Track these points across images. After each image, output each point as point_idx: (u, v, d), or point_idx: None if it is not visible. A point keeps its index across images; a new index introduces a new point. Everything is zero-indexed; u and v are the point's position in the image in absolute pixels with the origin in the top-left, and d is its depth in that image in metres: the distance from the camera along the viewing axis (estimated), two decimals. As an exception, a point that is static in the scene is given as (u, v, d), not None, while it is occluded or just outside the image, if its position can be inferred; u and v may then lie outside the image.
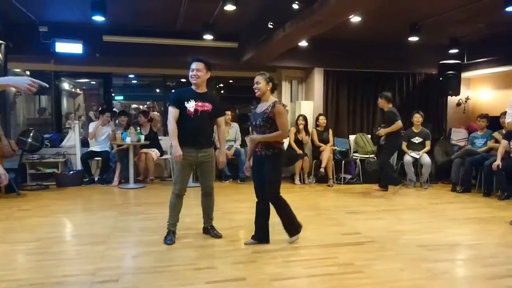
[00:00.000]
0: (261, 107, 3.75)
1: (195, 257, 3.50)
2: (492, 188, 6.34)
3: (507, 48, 6.89)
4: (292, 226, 3.85)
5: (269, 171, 3.67)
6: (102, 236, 4.05)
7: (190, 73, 3.80)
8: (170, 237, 3.89)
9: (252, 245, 3.79)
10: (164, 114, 7.80)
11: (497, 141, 6.44)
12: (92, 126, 7.21)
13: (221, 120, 4.04)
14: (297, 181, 7.31)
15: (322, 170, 6.99)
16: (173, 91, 3.98)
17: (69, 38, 6.80)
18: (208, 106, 3.83)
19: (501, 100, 7.29)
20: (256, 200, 3.87)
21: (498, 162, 5.82)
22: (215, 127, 4.11)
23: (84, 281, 2.98)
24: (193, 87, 3.86)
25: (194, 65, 3.78)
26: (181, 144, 3.73)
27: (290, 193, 6.58)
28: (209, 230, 4.16)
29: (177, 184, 3.90)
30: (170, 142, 3.85)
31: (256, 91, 3.74)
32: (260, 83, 3.72)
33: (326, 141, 7.38)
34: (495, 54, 7.21)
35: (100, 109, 7.86)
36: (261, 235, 3.84)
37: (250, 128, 4.06)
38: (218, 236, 4.09)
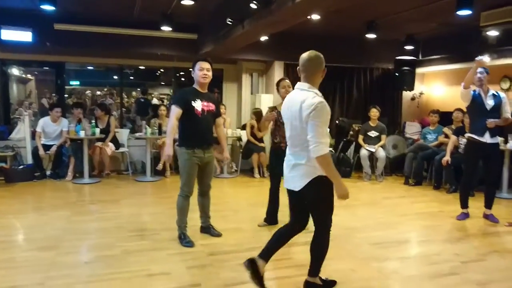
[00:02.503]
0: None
1: (149, 261, 3.45)
2: (441, 181, 6.65)
3: (458, 47, 7.16)
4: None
5: None
6: (53, 240, 3.92)
7: (199, 73, 3.75)
8: (186, 240, 3.85)
9: (208, 247, 3.80)
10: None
11: (447, 136, 6.72)
12: (40, 125, 6.85)
13: (220, 120, 4.14)
14: (256, 174, 7.37)
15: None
16: (180, 90, 3.92)
17: (17, 26, 6.44)
18: (212, 106, 3.88)
19: (452, 96, 7.60)
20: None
21: (447, 157, 6.08)
22: None
23: (32, 292, 2.89)
24: (196, 87, 3.83)
25: (204, 65, 3.77)
26: (191, 145, 3.74)
27: (249, 187, 6.67)
28: (209, 229, 4.14)
29: (185, 186, 3.82)
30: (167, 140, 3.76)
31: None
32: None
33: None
34: (447, 52, 7.49)
35: (49, 103, 7.51)
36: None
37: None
38: (217, 235, 4.10)
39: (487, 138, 4.63)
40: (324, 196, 2.77)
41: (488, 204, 4.88)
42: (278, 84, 4.34)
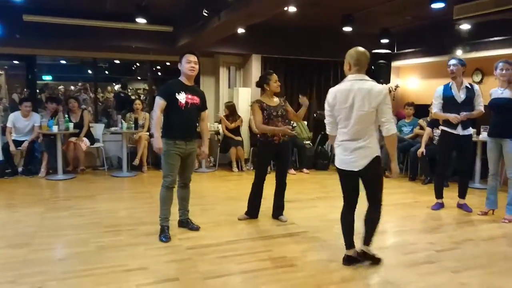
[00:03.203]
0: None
1: (125, 257, 3.38)
2: (417, 173, 6.77)
3: (432, 40, 7.29)
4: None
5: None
6: (25, 237, 3.80)
7: (187, 65, 3.77)
8: (165, 234, 3.78)
9: (187, 241, 3.76)
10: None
11: (422, 128, 6.84)
12: (10, 120, 6.60)
13: (205, 114, 4.11)
14: (234, 168, 7.34)
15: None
16: (166, 82, 3.89)
17: (-18, 17, 6.19)
18: (196, 100, 3.88)
19: (427, 89, 7.74)
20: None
21: (422, 149, 6.19)
22: None
23: (2, 291, 2.79)
24: (182, 79, 3.83)
25: (191, 58, 3.78)
26: (172, 136, 3.74)
27: (227, 181, 6.64)
28: (187, 223, 4.10)
29: (168, 177, 3.80)
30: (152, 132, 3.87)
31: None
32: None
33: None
34: (422, 45, 7.60)
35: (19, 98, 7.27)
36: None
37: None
38: (195, 228, 4.06)
39: (459, 130, 4.73)
40: (380, 173, 3.22)
41: (462, 194, 4.99)
42: (268, 77, 4.31)
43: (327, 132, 3.40)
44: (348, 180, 3.22)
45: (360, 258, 3.26)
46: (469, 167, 5.17)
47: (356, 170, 3.11)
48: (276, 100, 4.37)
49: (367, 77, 3.09)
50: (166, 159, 3.78)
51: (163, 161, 3.83)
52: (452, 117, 4.68)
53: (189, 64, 3.77)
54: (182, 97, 3.75)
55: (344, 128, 3.13)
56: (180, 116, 3.76)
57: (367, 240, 3.26)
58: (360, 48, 3.16)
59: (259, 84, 4.39)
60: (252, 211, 4.47)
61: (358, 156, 3.08)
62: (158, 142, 3.72)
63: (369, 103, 3.00)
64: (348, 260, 3.25)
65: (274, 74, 4.36)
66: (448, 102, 4.76)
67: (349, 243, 3.27)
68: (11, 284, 2.87)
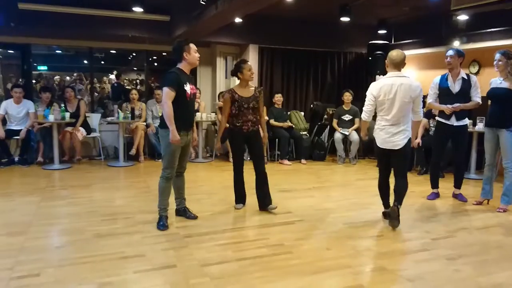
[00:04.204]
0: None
1: (122, 244, 3.39)
2: (412, 163, 6.80)
3: (429, 31, 7.29)
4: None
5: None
6: (22, 225, 3.80)
7: (195, 55, 3.76)
8: (163, 222, 3.78)
9: (184, 229, 3.77)
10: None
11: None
12: (3, 107, 6.58)
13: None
14: (231, 158, 7.32)
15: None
16: (170, 72, 3.69)
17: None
18: (195, 89, 3.90)
19: (424, 80, 7.69)
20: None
21: (418, 140, 6.20)
22: None
23: (0, 277, 2.78)
24: (184, 69, 3.77)
25: (195, 47, 3.78)
26: (177, 127, 3.64)
27: (224, 171, 6.64)
28: (184, 212, 4.10)
29: (169, 169, 3.78)
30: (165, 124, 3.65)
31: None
32: None
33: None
34: (419, 36, 7.59)
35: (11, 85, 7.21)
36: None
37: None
38: (193, 217, 4.06)
39: (453, 121, 4.74)
40: (410, 152, 4.04)
41: (457, 184, 5.02)
42: (242, 66, 4.27)
43: (364, 119, 4.05)
44: (386, 157, 4.02)
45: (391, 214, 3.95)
46: (465, 158, 5.19)
47: (395, 149, 3.87)
48: (251, 89, 4.32)
49: (404, 74, 3.89)
50: (172, 151, 3.72)
51: (167, 153, 3.74)
52: (445, 107, 4.70)
53: (197, 54, 3.78)
54: (188, 88, 3.73)
55: (387, 115, 3.86)
56: (186, 107, 3.76)
57: (398, 200, 3.97)
58: (398, 51, 3.91)
59: (233, 72, 4.39)
60: (238, 197, 4.51)
61: (398, 138, 3.85)
62: (176, 135, 3.61)
63: (410, 95, 3.77)
64: (385, 215, 4.19)
65: (248, 63, 4.30)
66: (443, 93, 4.76)
67: (386, 204, 4.19)
68: (9, 271, 2.87)
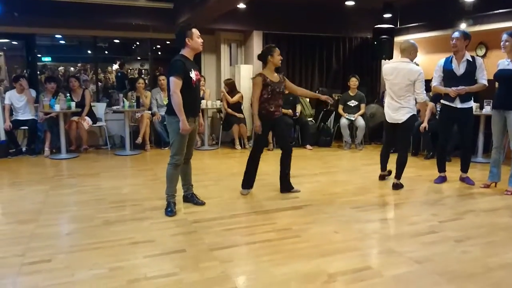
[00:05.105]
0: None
1: (131, 230, 3.42)
2: (419, 148, 6.79)
3: (435, 14, 7.18)
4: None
5: None
6: (32, 213, 3.84)
7: (198, 40, 3.72)
8: (170, 209, 3.81)
9: (192, 215, 3.80)
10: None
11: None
12: (7, 97, 6.62)
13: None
14: (237, 145, 7.36)
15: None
16: (175, 60, 3.65)
17: (-21, -6, 6.10)
18: (199, 75, 3.87)
19: (430, 64, 7.61)
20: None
21: (425, 124, 6.16)
22: None
23: (12, 263, 2.82)
24: (188, 55, 3.74)
25: (198, 32, 3.74)
26: (186, 114, 3.64)
27: (230, 158, 6.66)
28: (192, 198, 4.13)
29: (177, 155, 3.79)
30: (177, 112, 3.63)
31: None
32: None
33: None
34: (425, 19, 7.49)
35: (13, 76, 7.22)
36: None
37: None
38: (200, 203, 4.09)
39: (457, 103, 4.69)
40: (412, 127, 4.89)
41: (464, 168, 4.99)
42: (273, 50, 4.29)
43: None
44: (392, 131, 4.76)
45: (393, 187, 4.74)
46: (471, 141, 5.14)
47: (399, 123, 4.60)
48: (276, 75, 4.36)
49: (408, 60, 4.56)
50: (180, 138, 3.72)
51: (176, 140, 3.74)
52: (450, 90, 4.65)
53: (200, 39, 3.75)
54: (193, 75, 3.72)
55: (391, 93, 4.63)
56: (192, 94, 3.75)
57: (397, 175, 4.72)
58: (407, 41, 4.69)
59: (263, 56, 4.34)
60: (247, 182, 4.50)
61: (401, 113, 4.57)
62: (186, 124, 3.61)
63: (408, 78, 4.47)
64: (381, 177, 5.14)
65: (277, 48, 4.33)
66: (448, 76, 4.71)
67: (383, 168, 5.11)
68: (21, 257, 2.91)
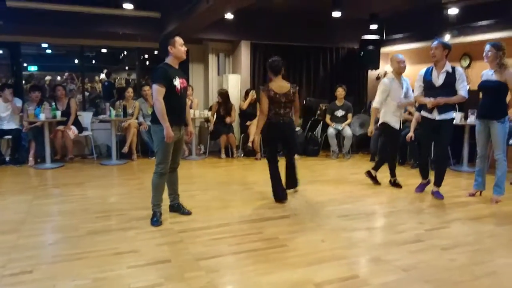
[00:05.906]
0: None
1: (116, 240, 3.37)
2: (406, 157, 6.83)
3: (420, 25, 7.31)
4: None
5: None
6: (14, 223, 3.76)
7: (181, 48, 3.72)
8: (156, 218, 3.77)
9: (178, 225, 3.76)
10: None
11: (410, 113, 6.87)
12: None
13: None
14: (222, 155, 7.34)
15: (249, 144, 7.05)
16: (158, 67, 3.69)
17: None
18: (185, 83, 3.84)
19: (415, 75, 7.72)
20: None
21: (411, 133, 6.23)
22: None
23: (-8, 275, 2.75)
24: (172, 63, 3.73)
25: (182, 41, 3.74)
26: (170, 123, 3.61)
27: (217, 168, 6.63)
28: (178, 208, 4.08)
29: (162, 164, 3.75)
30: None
31: None
32: None
33: (254, 115, 7.41)
34: (410, 30, 7.62)
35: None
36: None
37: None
38: (187, 213, 4.05)
39: (435, 115, 4.58)
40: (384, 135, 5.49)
41: (436, 181, 4.79)
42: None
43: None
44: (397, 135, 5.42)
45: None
46: (446, 154, 5.08)
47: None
48: (286, 85, 4.56)
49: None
50: (165, 146, 3.69)
51: (160, 149, 3.71)
52: (427, 101, 4.57)
53: (183, 47, 3.74)
54: (178, 83, 3.69)
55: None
56: (177, 102, 3.72)
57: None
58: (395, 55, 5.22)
59: (278, 70, 4.58)
60: (275, 194, 4.58)
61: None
62: (170, 132, 3.59)
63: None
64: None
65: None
66: (427, 86, 4.63)
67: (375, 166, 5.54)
68: (1, 269, 2.84)
